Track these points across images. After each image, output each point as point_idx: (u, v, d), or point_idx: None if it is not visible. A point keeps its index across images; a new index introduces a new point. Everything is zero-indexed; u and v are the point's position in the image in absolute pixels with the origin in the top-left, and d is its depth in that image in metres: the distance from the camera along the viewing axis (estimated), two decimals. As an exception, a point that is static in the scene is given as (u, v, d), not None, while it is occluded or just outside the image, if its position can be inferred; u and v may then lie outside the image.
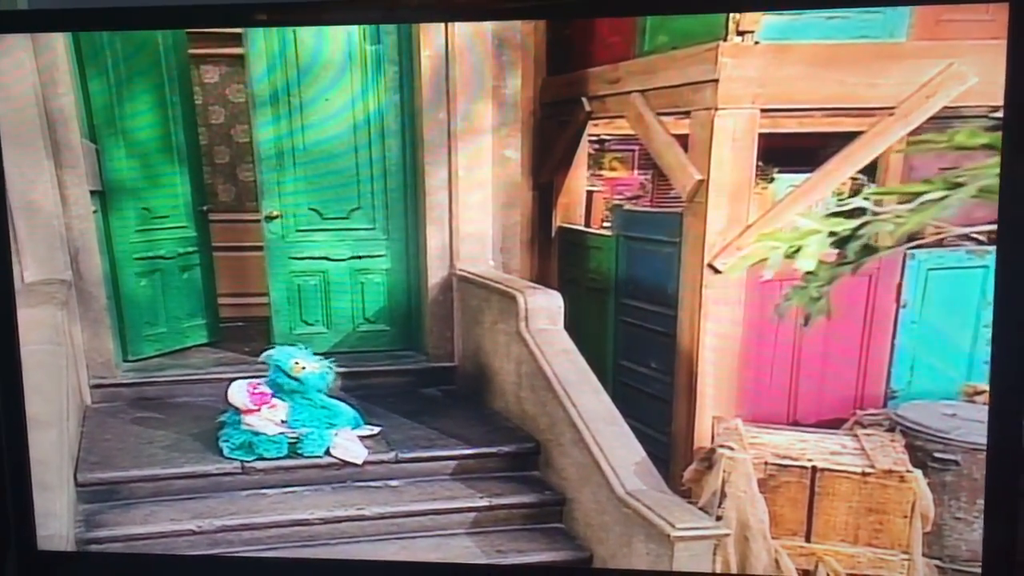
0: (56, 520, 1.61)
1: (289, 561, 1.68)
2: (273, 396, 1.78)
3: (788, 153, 1.57)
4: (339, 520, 1.71)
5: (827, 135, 1.54)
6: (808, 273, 1.53)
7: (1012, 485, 1.40)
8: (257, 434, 1.75)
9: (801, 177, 1.55)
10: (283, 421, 1.77)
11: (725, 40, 1.50)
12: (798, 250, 1.52)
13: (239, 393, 1.76)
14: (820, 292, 1.52)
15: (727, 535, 1.53)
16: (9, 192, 1.64)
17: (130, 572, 1.67)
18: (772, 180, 1.58)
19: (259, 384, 1.77)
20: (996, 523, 1.40)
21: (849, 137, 1.51)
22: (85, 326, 1.84)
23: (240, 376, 1.79)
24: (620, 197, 1.84)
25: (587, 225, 1.89)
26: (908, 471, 1.47)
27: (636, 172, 1.82)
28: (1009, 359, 1.38)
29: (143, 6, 1.56)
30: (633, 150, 1.83)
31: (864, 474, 1.50)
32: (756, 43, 1.49)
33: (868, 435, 1.55)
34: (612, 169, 1.84)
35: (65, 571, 1.63)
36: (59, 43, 1.69)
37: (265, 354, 1.80)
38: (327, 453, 1.77)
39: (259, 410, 1.75)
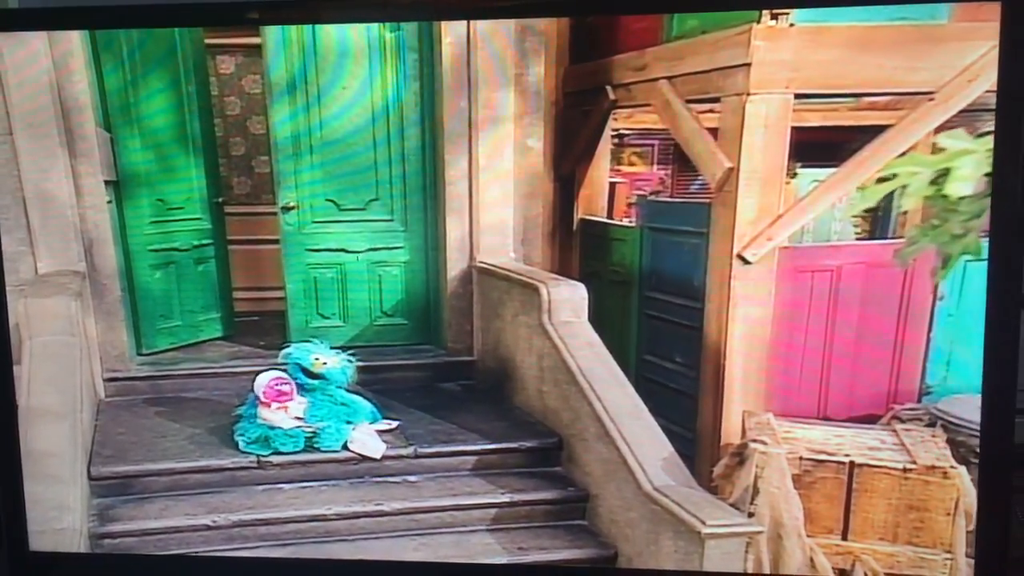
0: (69, 514, 1.59)
1: (300, 561, 1.64)
2: (292, 397, 1.74)
3: (812, 148, 1.54)
4: (357, 516, 1.68)
5: (853, 128, 1.50)
6: (948, 208, 1.36)
7: (1005, 481, 1.38)
8: (273, 428, 1.73)
9: (825, 172, 1.51)
10: (299, 417, 1.74)
11: (758, 22, 1.46)
12: (946, 174, 1.36)
13: (261, 383, 1.73)
14: (965, 227, 1.35)
15: (760, 532, 1.49)
16: (23, 181, 1.62)
17: (127, 573, 1.65)
18: (795, 175, 1.55)
19: (285, 382, 1.73)
20: (990, 519, 1.38)
21: (876, 131, 1.47)
22: (99, 318, 1.83)
23: (257, 369, 1.76)
24: (639, 192, 1.81)
25: (610, 217, 1.86)
26: (952, 467, 1.44)
27: (655, 167, 1.79)
28: (1001, 355, 1.35)
29: (135, 5, 1.54)
30: (652, 144, 1.80)
31: (905, 470, 1.46)
32: (791, 25, 1.45)
33: (907, 430, 1.51)
34: (631, 164, 1.81)
35: (59, 572, 1.60)
36: (74, 32, 1.67)
37: (283, 352, 1.77)
38: (344, 448, 1.74)
39: (269, 406, 1.72)
